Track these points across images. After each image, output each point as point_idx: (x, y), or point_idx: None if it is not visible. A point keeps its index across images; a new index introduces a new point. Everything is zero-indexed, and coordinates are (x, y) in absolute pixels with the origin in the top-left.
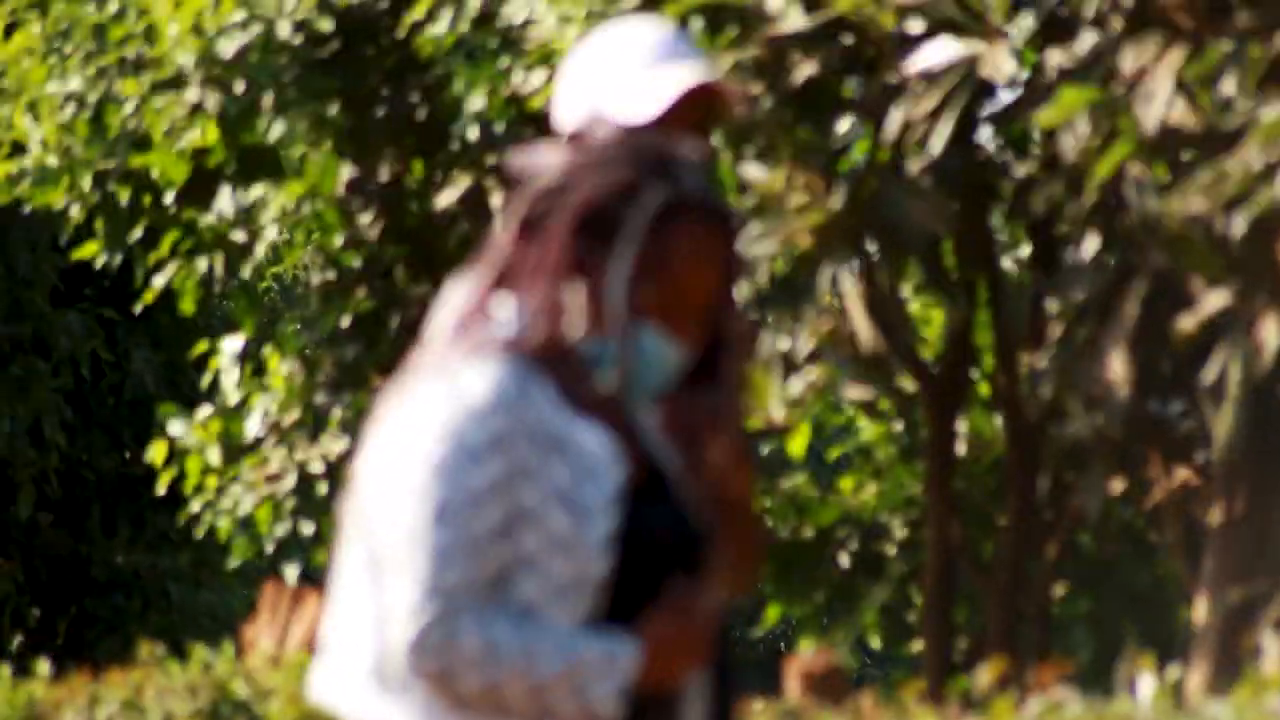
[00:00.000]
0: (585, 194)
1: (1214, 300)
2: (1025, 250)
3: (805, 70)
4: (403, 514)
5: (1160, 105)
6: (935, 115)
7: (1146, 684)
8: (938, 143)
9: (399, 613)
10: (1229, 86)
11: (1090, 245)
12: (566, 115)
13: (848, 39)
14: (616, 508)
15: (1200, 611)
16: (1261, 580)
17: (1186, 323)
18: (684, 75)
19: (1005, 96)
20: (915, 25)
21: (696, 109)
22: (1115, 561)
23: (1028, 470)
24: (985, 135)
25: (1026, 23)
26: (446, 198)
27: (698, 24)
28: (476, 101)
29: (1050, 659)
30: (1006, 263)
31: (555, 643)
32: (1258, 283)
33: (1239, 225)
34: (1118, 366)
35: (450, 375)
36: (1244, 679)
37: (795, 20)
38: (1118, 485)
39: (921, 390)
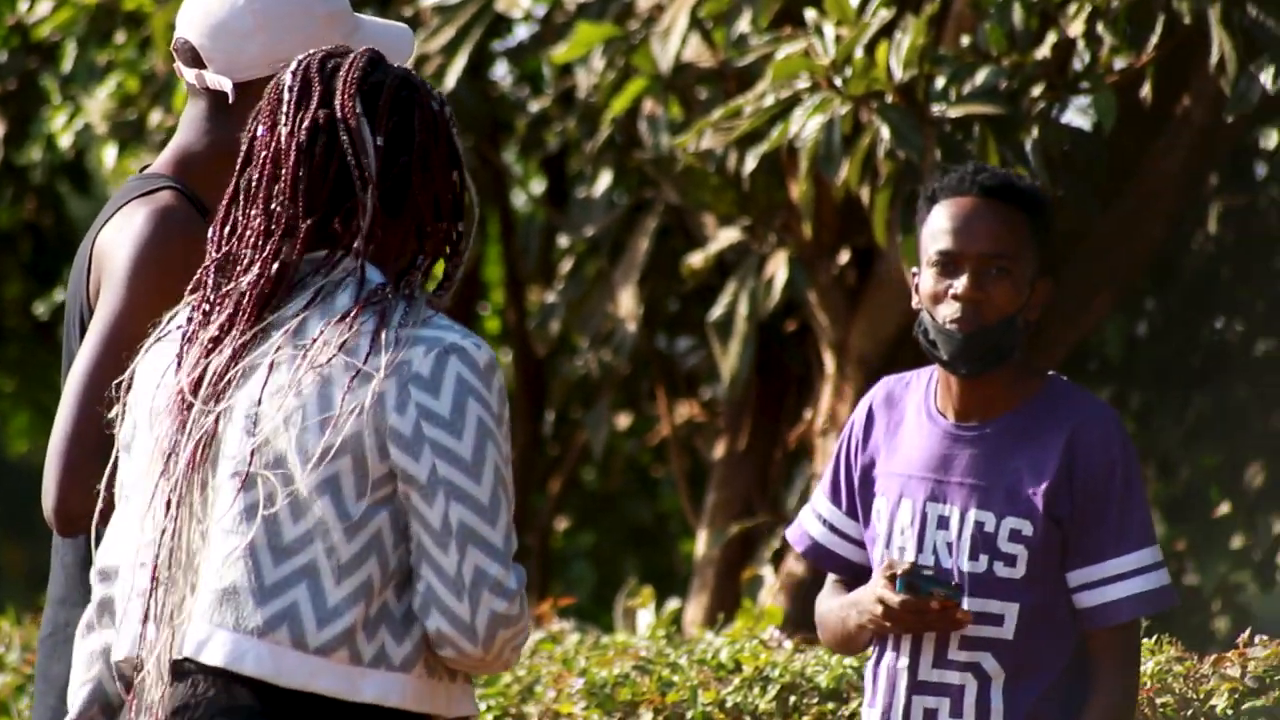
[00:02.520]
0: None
1: (725, 237)
2: (538, 186)
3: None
4: (463, 483)
5: (675, 42)
6: (450, 50)
7: (646, 617)
8: (452, 77)
9: (483, 587)
10: (743, 24)
11: (603, 182)
12: (238, 66)
13: None
14: None
15: (701, 546)
16: (761, 515)
17: (696, 259)
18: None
19: (521, 32)
20: None
21: None
22: (619, 496)
23: (535, 405)
24: (500, 71)
25: None
26: None
27: None
28: None
29: (552, 593)
30: (519, 198)
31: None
32: (768, 221)
33: (751, 163)
34: (627, 302)
35: (430, 342)
36: (741, 612)
37: None
38: (624, 420)
39: None
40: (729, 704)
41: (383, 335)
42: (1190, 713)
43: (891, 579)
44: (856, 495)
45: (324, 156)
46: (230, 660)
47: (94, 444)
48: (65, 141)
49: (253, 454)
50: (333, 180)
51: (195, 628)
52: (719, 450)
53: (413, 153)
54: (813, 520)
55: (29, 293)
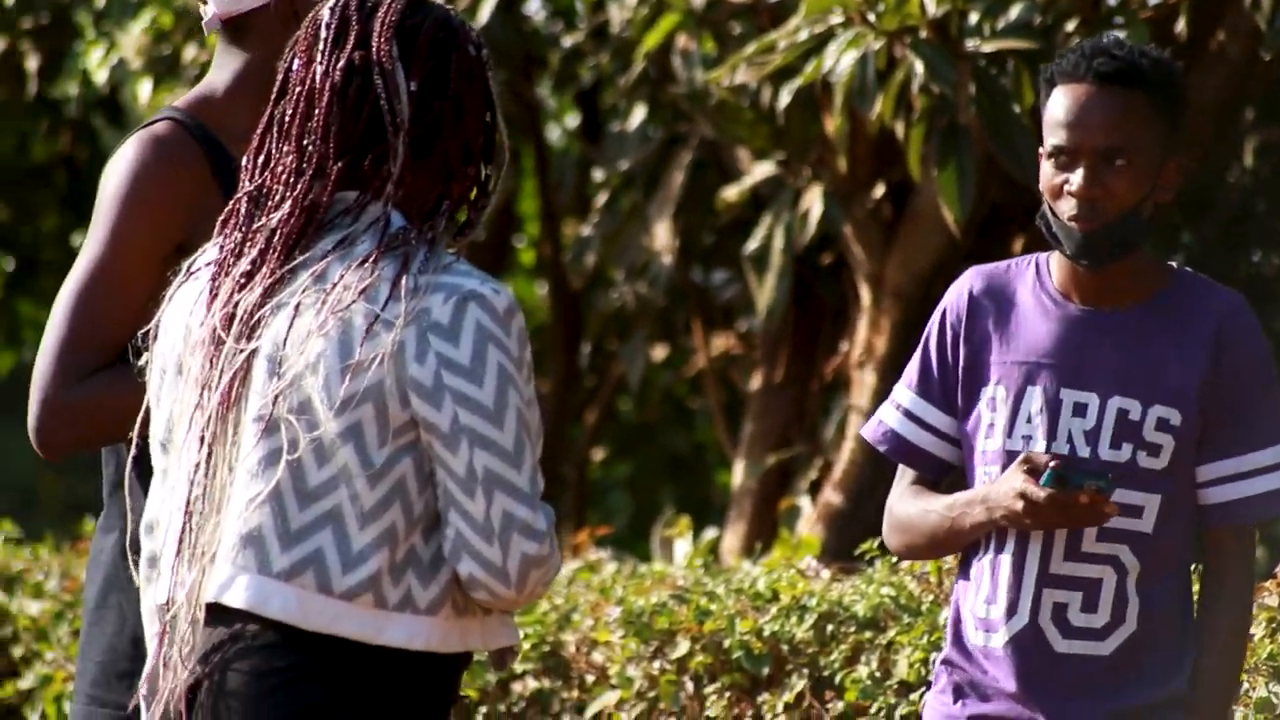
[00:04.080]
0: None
1: (760, 171)
2: (572, 120)
3: None
4: (486, 430)
5: None
6: None
7: (683, 546)
8: (486, 12)
9: (512, 530)
10: None
11: (637, 116)
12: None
13: None
14: None
15: (738, 476)
16: (798, 446)
17: (731, 193)
18: None
19: None
20: None
21: None
22: (655, 427)
23: (571, 337)
24: (534, 6)
25: None
26: None
27: None
28: None
29: (589, 523)
30: (553, 132)
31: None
32: (802, 155)
33: (786, 98)
34: (662, 235)
35: (449, 289)
36: (779, 541)
37: None
38: (660, 352)
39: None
40: (766, 633)
41: (402, 282)
42: None
43: (1031, 471)
44: (957, 387)
45: (357, 99)
46: (254, 603)
47: (69, 372)
48: (100, 76)
49: (276, 398)
50: (365, 123)
51: (218, 570)
52: (755, 382)
53: (447, 98)
54: (891, 413)
55: (65, 225)
